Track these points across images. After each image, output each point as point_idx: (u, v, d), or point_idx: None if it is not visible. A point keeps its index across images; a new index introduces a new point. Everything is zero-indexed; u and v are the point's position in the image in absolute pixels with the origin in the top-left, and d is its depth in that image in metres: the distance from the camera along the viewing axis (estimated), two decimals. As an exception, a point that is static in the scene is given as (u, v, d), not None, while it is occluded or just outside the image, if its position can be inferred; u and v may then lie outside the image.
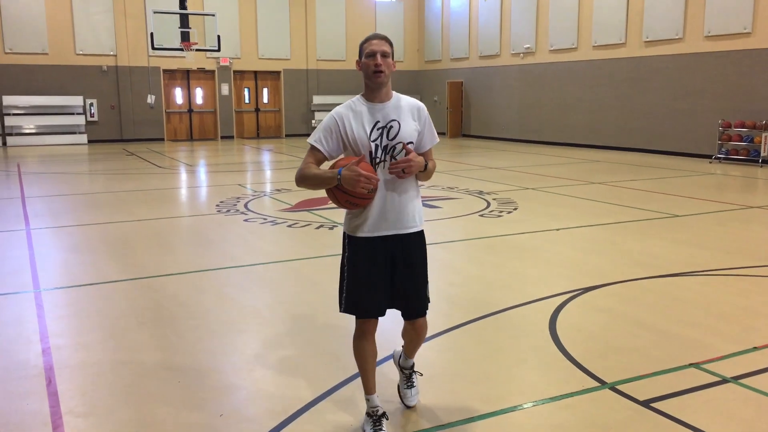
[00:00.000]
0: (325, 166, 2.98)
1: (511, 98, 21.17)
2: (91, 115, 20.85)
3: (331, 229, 7.73)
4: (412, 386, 3.36)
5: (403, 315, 3.16)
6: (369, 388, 3.11)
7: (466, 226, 7.90)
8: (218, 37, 19.34)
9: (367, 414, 3.10)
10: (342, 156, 2.99)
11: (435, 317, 4.72)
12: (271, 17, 22.84)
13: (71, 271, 6.05)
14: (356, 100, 2.99)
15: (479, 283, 5.57)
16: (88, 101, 20.73)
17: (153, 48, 18.85)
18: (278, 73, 23.40)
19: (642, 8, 16.63)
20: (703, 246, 6.82)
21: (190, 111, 22.63)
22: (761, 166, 13.91)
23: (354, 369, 3.76)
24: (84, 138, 20.63)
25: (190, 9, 19.53)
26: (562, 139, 19.35)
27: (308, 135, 20.78)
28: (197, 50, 19.32)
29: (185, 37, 18.69)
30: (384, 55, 2.90)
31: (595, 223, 8.01)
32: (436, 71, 24.38)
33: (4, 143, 19.81)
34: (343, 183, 2.78)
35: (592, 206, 9.25)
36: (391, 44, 2.97)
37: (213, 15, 19.53)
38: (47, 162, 15.76)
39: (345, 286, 3.04)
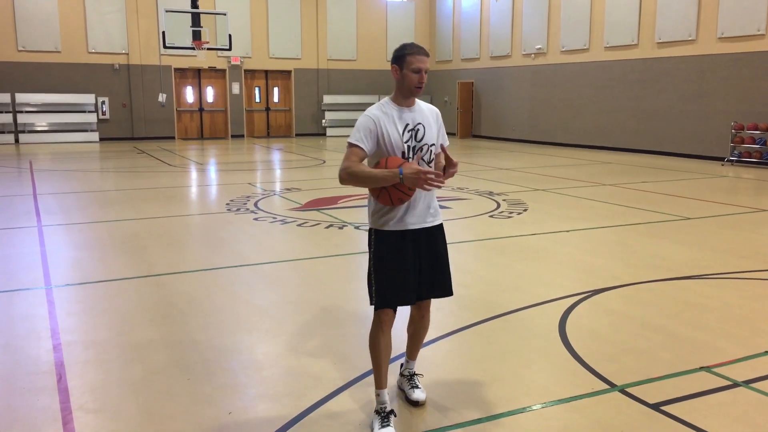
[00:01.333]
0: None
1: (521, 99, 21.11)
2: (103, 113, 20.97)
3: (340, 228, 7.74)
4: (416, 386, 3.45)
5: (424, 295, 3.28)
6: (381, 383, 3.19)
7: (476, 227, 7.88)
8: (229, 36, 19.40)
9: (376, 411, 3.16)
10: (385, 157, 3.10)
11: (444, 317, 4.72)
12: (283, 17, 22.89)
13: (82, 268, 6.08)
14: (386, 103, 3.20)
15: (489, 284, 5.56)
16: (100, 99, 20.85)
17: (165, 47, 18.94)
18: (289, 72, 23.45)
19: (654, 9, 16.55)
20: (715, 249, 6.78)
21: (201, 110, 22.71)
22: (774, 169, 13.80)
23: (363, 368, 3.77)
24: (95, 136, 20.76)
25: (202, 8, 19.60)
26: (572, 140, 19.28)
27: (319, 134, 20.93)
28: (208, 49, 19.39)
29: (197, 36, 18.76)
30: (426, 71, 3.15)
31: (606, 225, 7.98)
32: (446, 71, 24.35)
33: (17, 140, 19.95)
34: (405, 182, 2.93)
35: (602, 208, 9.21)
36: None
37: (224, 14, 19.59)
38: (59, 159, 15.86)
39: (375, 279, 3.16)
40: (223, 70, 22.42)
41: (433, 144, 3.20)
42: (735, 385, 3.58)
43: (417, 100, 3.23)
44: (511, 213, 8.68)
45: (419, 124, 3.17)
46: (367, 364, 3.84)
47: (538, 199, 9.88)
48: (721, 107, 15.21)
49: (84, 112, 20.67)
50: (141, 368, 3.82)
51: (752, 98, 14.59)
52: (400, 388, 3.53)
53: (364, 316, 4.87)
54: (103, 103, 20.91)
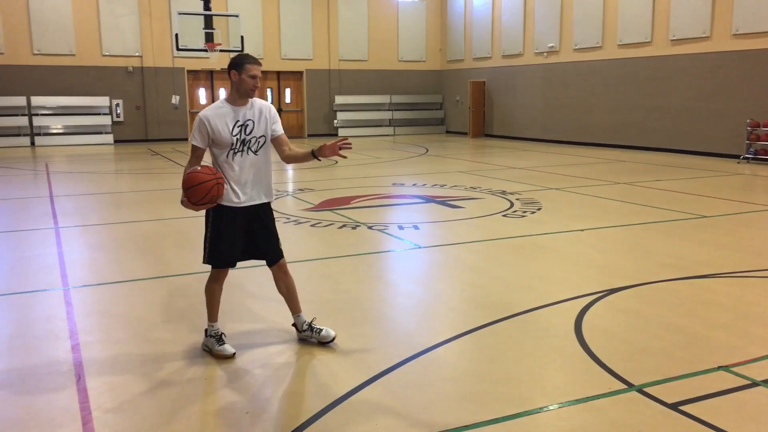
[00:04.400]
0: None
1: (534, 98, 21.03)
2: (117, 116, 21.13)
3: (353, 228, 7.75)
4: (320, 330, 4.13)
5: (268, 263, 4.09)
6: (215, 317, 4.07)
7: (489, 227, 7.86)
8: (242, 37, 19.47)
9: (211, 335, 4.02)
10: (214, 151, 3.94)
11: (459, 317, 4.72)
12: (294, 18, 22.94)
13: (99, 269, 6.14)
14: (221, 104, 3.88)
15: (503, 284, 5.55)
16: (114, 102, 21.01)
17: (177, 49, 19.04)
18: (301, 73, 23.50)
19: (668, 6, 16.43)
20: (731, 247, 6.72)
21: (214, 111, 22.78)
22: (790, 167, 13.66)
23: (378, 368, 3.78)
24: (110, 138, 20.92)
25: (214, 10, 19.69)
26: (586, 138, 19.18)
27: (331, 135, 20.91)
28: (221, 51, 19.47)
29: (209, 38, 18.84)
30: (260, 78, 3.86)
31: (621, 223, 7.93)
32: (458, 71, 24.31)
33: (33, 143, 20.14)
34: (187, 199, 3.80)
35: (617, 207, 9.16)
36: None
37: (237, 16, 19.66)
38: (74, 161, 16.00)
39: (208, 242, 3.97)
40: (236, 72, 22.46)
41: (263, 136, 3.91)
42: (754, 384, 3.55)
43: (251, 99, 3.91)
44: (524, 212, 8.65)
45: (249, 120, 3.87)
46: (384, 363, 3.86)
47: (552, 198, 9.84)
48: (736, 104, 15.07)
49: (98, 114, 20.83)
50: (158, 368, 3.85)
51: (768, 95, 14.45)
52: (310, 341, 4.14)
53: (380, 316, 4.88)
54: (117, 105, 21.07)
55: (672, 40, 16.41)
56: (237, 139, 3.84)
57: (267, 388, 3.61)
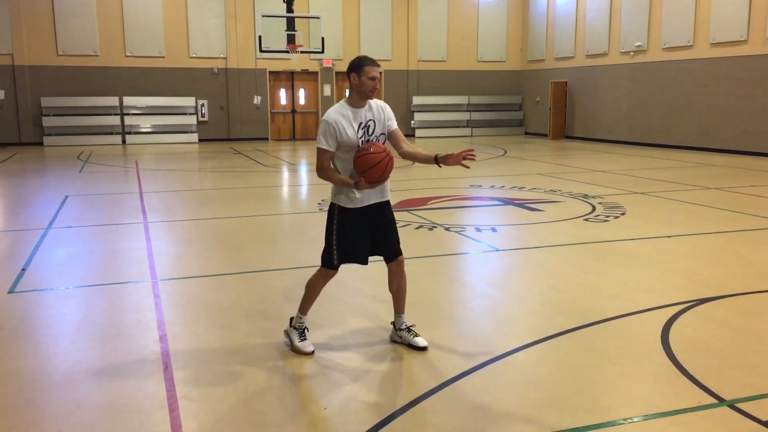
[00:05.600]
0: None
1: (619, 99, 20.37)
2: (202, 116, 21.90)
3: (430, 229, 7.72)
4: (417, 335, 4.12)
5: (388, 257, 4.10)
6: (306, 310, 4.15)
7: (570, 231, 7.66)
8: (322, 39, 19.80)
9: (294, 327, 4.12)
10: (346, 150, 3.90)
11: (539, 321, 4.62)
12: (374, 19, 23.11)
13: (184, 263, 6.37)
14: (343, 105, 3.92)
15: (585, 290, 5.39)
16: (200, 102, 21.79)
17: (260, 50, 19.55)
18: (379, 74, 23.63)
19: (766, 3, 15.55)
20: (835, 258, 6.28)
21: (294, 111, 23.29)
22: None
23: (454, 372, 3.74)
24: (195, 137, 21.70)
25: (296, 12, 20.10)
26: (674, 141, 18.40)
27: (408, 136, 20.89)
28: (302, 52, 19.86)
29: (291, 39, 19.26)
30: (379, 79, 3.92)
31: (712, 230, 7.56)
32: (539, 71, 23.85)
33: (124, 141, 21.15)
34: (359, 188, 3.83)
35: (708, 213, 8.74)
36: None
37: (318, 18, 20.00)
38: (162, 159, 16.69)
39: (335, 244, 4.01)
40: (315, 73, 22.90)
41: (382, 134, 3.96)
42: None
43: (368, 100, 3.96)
44: (607, 216, 8.38)
45: (370, 120, 3.92)
46: (461, 367, 3.82)
47: (637, 202, 9.49)
48: (841, 106, 14.10)
49: (185, 114, 21.65)
50: (239, 360, 3.95)
51: None
52: (399, 342, 4.16)
53: (457, 318, 4.84)
54: (202, 105, 21.84)
55: (770, 38, 15.53)
56: (362, 140, 3.87)
57: (345, 387, 3.64)
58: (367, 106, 3.95)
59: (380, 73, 3.87)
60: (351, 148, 3.84)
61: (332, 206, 4.01)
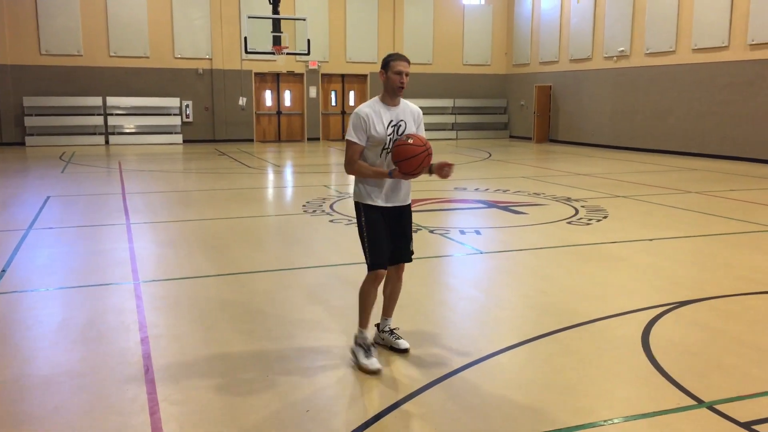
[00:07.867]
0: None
1: (602, 103, 20.54)
2: (187, 116, 21.78)
3: (415, 232, 7.73)
4: (400, 338, 4.11)
5: (394, 260, 4.02)
6: (365, 323, 3.96)
7: (554, 233, 7.71)
8: (308, 41, 19.76)
9: (359, 344, 3.90)
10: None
11: (522, 323, 4.64)
12: (360, 21, 23.13)
13: (167, 265, 6.33)
14: (375, 102, 3.91)
15: (568, 292, 5.42)
16: (184, 103, 21.67)
17: (246, 52, 19.48)
18: (365, 76, 23.66)
19: (747, 10, 15.75)
20: (813, 262, 6.38)
21: (279, 113, 23.23)
22: None
23: (439, 373, 3.75)
24: (179, 138, 21.57)
25: (283, 14, 20.05)
26: (656, 146, 18.58)
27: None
28: (288, 54, 19.81)
29: (277, 41, 19.20)
30: (407, 75, 3.86)
31: (692, 234, 7.64)
32: (523, 75, 23.98)
33: (107, 141, 20.98)
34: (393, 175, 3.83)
35: (688, 216, 8.83)
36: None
37: (304, 19, 19.97)
38: (145, 160, 16.58)
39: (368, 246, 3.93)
40: (301, 75, 22.86)
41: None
42: (837, 407, 3.35)
43: (402, 99, 3.94)
44: (590, 220, 8.44)
45: (402, 120, 3.90)
46: (445, 368, 3.83)
47: (619, 206, 9.57)
48: (819, 112, 14.31)
49: (169, 114, 21.52)
50: (222, 363, 3.93)
51: None
52: (381, 344, 4.13)
53: (441, 320, 4.85)
54: (187, 106, 21.72)
55: (751, 45, 15.73)
56: (390, 138, 3.84)
57: (328, 389, 3.64)
58: (401, 106, 3.93)
59: (408, 67, 3.89)
60: (378, 144, 3.82)
61: (357, 205, 3.97)
